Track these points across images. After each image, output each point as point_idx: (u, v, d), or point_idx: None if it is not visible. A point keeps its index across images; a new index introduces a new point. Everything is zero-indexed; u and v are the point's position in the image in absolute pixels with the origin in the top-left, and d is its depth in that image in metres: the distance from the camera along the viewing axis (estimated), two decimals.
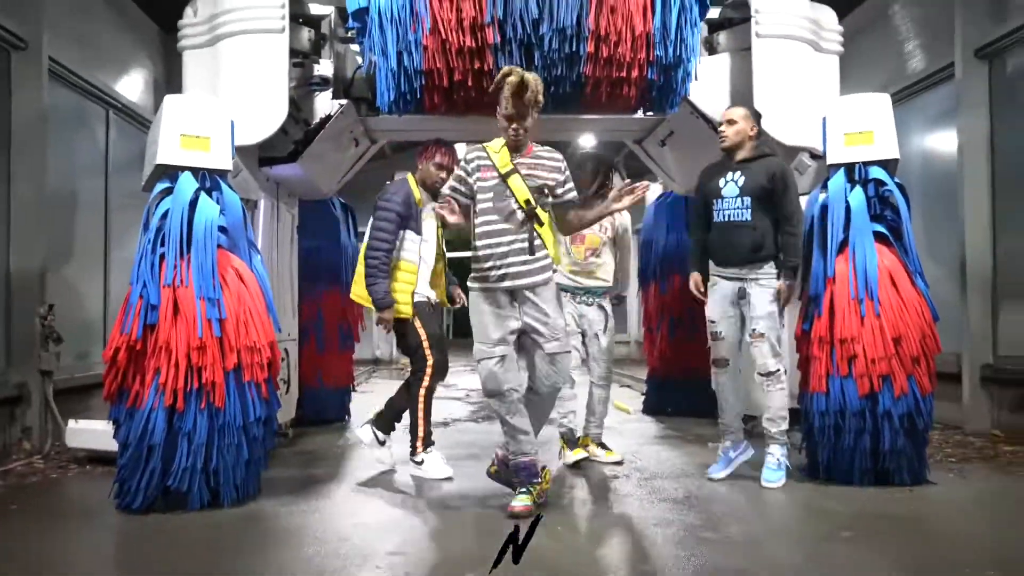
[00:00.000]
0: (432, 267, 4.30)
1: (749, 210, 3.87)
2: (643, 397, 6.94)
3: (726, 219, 3.93)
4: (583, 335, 4.54)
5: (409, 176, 4.35)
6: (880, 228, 3.94)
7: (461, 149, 4.24)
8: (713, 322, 3.99)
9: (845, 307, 3.83)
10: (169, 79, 6.61)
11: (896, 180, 4.02)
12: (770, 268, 3.90)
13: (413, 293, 4.21)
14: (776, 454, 3.88)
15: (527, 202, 3.42)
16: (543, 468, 3.52)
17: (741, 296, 3.91)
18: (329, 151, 5.05)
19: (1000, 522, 3.42)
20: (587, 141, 10.06)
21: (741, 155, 3.96)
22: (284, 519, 3.38)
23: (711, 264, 4.06)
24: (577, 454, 4.45)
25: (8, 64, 4.74)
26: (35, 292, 4.80)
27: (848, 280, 3.85)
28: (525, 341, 3.53)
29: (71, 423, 4.58)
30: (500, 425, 3.52)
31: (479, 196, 3.48)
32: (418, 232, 4.22)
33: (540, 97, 3.35)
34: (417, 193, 4.26)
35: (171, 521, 3.35)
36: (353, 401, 6.70)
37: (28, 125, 4.79)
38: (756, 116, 4.03)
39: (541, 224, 3.47)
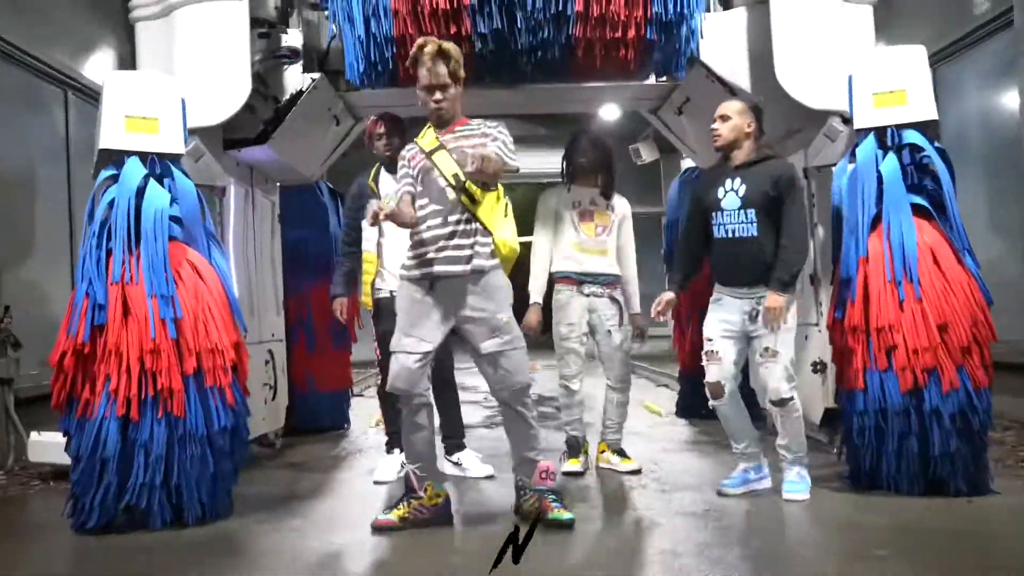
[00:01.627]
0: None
1: (754, 224, 3.74)
2: (676, 398, 6.89)
3: (729, 235, 3.80)
4: (592, 332, 4.50)
5: (374, 168, 4.55)
6: (919, 200, 3.84)
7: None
8: (710, 340, 3.85)
9: (881, 291, 3.74)
10: (136, 55, 6.68)
11: (936, 144, 3.91)
12: None
13: (372, 284, 4.37)
14: (796, 469, 3.79)
15: (455, 176, 3.39)
16: (427, 486, 3.50)
17: (749, 315, 3.77)
18: (305, 131, 5.05)
19: None
20: (610, 113, 10.05)
21: (740, 158, 3.83)
22: (253, 540, 3.43)
23: (715, 284, 3.94)
24: (574, 464, 4.46)
25: None
26: None
27: (883, 260, 3.76)
28: (465, 344, 3.51)
29: (33, 435, 4.67)
30: (402, 421, 3.52)
31: (416, 180, 3.52)
32: None
33: (460, 69, 3.41)
34: (372, 184, 4.47)
35: (129, 542, 3.40)
36: (353, 407, 6.75)
37: None
38: (756, 111, 3.88)
39: (474, 201, 3.43)
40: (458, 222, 3.41)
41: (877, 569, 2.85)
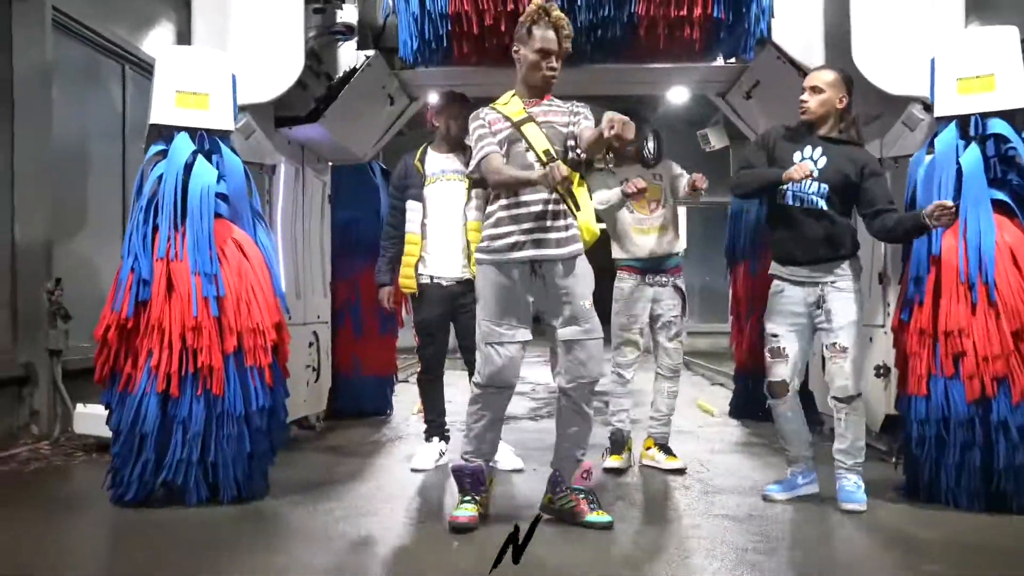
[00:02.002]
0: (457, 239, 4.33)
1: (825, 199, 3.65)
2: (731, 398, 6.82)
3: (796, 203, 3.70)
4: (652, 321, 4.46)
5: (421, 149, 4.53)
6: (1001, 195, 3.69)
7: None
8: (775, 336, 3.76)
9: (953, 292, 3.62)
10: (191, 30, 6.81)
11: None
12: (850, 267, 3.69)
13: (416, 267, 4.35)
14: (853, 478, 3.67)
15: (546, 152, 3.29)
16: (490, 478, 3.47)
17: (815, 305, 3.69)
18: (358, 109, 5.09)
19: None
20: (678, 96, 9.91)
21: (826, 131, 3.72)
22: (286, 520, 3.49)
23: (774, 265, 3.84)
24: (616, 460, 4.44)
25: (8, 15, 4.98)
26: (42, 265, 5.07)
27: (957, 259, 3.63)
28: (544, 327, 3.43)
29: (79, 407, 4.83)
30: (469, 412, 3.42)
31: (500, 150, 3.37)
32: (417, 199, 4.36)
33: (569, 42, 3.35)
34: (419, 164, 4.43)
35: (165, 516, 3.50)
36: (397, 394, 6.81)
37: (31, 82, 5.03)
38: (849, 83, 3.73)
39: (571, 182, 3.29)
40: (546, 202, 3.29)
41: None
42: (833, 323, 3.64)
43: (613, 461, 4.45)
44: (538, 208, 3.28)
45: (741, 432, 5.91)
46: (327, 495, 3.88)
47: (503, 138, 3.35)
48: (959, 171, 3.72)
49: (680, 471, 4.39)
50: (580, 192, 3.37)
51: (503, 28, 4.01)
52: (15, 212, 4.99)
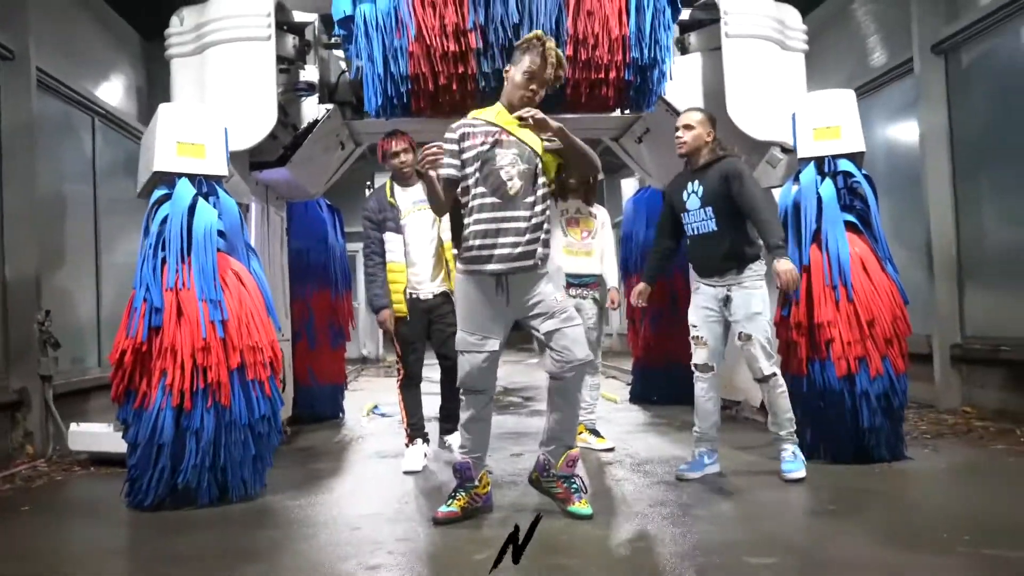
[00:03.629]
0: (431, 261, 4.30)
1: (713, 220, 3.74)
2: (629, 387, 7.08)
3: (695, 232, 3.82)
4: None
5: (387, 184, 4.44)
6: (850, 218, 4.10)
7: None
8: (695, 326, 3.83)
9: (821, 293, 3.98)
10: (151, 85, 6.61)
11: (863, 172, 4.19)
12: (750, 271, 3.75)
13: (405, 291, 4.28)
14: (790, 448, 3.74)
15: (541, 147, 3.16)
16: (482, 473, 3.31)
17: (724, 302, 3.78)
18: (317, 154, 5.12)
19: (973, 492, 3.59)
20: None
21: (699, 162, 3.81)
22: (292, 512, 3.47)
23: (692, 271, 3.98)
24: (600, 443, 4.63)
25: None
26: (31, 298, 4.82)
27: (822, 268, 4.00)
28: (528, 328, 3.23)
29: (73, 426, 4.61)
30: (461, 411, 3.28)
31: (468, 169, 3.15)
32: (396, 231, 4.28)
33: (563, 74, 3.20)
34: (389, 195, 4.33)
35: (182, 516, 3.43)
36: (347, 399, 6.75)
37: (17, 134, 4.79)
38: (713, 121, 3.88)
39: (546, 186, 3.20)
40: (527, 217, 3.12)
41: (831, 521, 3.10)
42: (738, 315, 3.72)
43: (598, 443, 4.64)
44: (507, 225, 3.11)
45: (644, 415, 6.16)
46: (317, 489, 3.88)
47: (477, 155, 3.13)
48: (819, 200, 4.10)
49: (610, 449, 4.59)
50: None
51: (454, 87, 4.11)
52: (5, 251, 4.73)
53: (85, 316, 5.68)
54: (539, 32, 3.17)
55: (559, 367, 3.10)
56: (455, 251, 3.28)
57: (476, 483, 3.26)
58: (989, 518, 3.06)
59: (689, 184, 3.84)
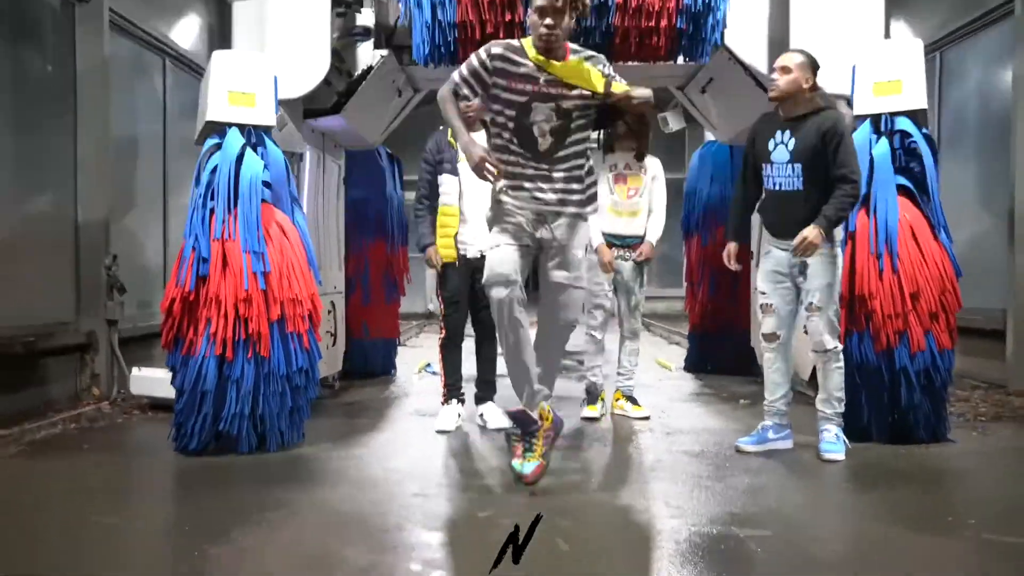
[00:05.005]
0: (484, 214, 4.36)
1: (800, 178, 3.64)
2: (685, 354, 7.08)
3: (777, 187, 3.72)
4: (615, 289, 4.68)
5: None
6: (904, 181, 3.97)
7: None
8: (763, 293, 3.82)
9: (864, 263, 3.91)
10: (222, 27, 6.91)
11: (924, 131, 4.02)
12: (831, 238, 3.67)
13: (455, 238, 4.37)
14: (833, 430, 3.73)
15: (593, 94, 3.18)
16: (541, 410, 3.39)
17: (797, 267, 3.72)
18: (373, 101, 5.27)
19: (1001, 477, 3.58)
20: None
21: (792, 111, 3.70)
22: (324, 463, 3.74)
23: (764, 232, 3.93)
24: (592, 410, 4.69)
25: (72, 18, 5.09)
26: (101, 242, 5.24)
27: (868, 235, 3.91)
28: (538, 266, 3.38)
29: (134, 370, 5.03)
30: (501, 351, 3.39)
31: (505, 109, 3.23)
32: (453, 173, 4.36)
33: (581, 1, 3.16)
34: (452, 137, 4.29)
35: (222, 461, 3.75)
36: (400, 356, 7.00)
37: (91, 78, 5.14)
38: (814, 66, 3.70)
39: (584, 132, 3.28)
40: (564, 169, 3.25)
41: (842, 496, 3.21)
42: (812, 284, 3.68)
43: (589, 411, 4.69)
44: (538, 174, 3.26)
45: (695, 384, 6.17)
46: (354, 442, 4.15)
47: (512, 101, 3.20)
48: (872, 161, 3.96)
49: (645, 418, 4.67)
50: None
51: (502, 35, 4.15)
52: (77, 196, 5.15)
53: (152, 261, 6.12)
54: None
55: (548, 318, 3.34)
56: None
57: (539, 422, 3.34)
58: (1004, 503, 3.10)
59: (779, 132, 3.72)
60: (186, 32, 6.58)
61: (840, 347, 3.74)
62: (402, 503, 3.11)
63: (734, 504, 3.06)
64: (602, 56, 3.31)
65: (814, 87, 3.71)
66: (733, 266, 3.98)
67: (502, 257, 3.26)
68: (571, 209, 3.31)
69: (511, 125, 3.24)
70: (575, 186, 3.31)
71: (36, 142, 4.90)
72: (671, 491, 3.24)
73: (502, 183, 3.29)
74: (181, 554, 2.62)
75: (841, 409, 3.75)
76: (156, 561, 2.66)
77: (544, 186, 3.27)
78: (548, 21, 3.09)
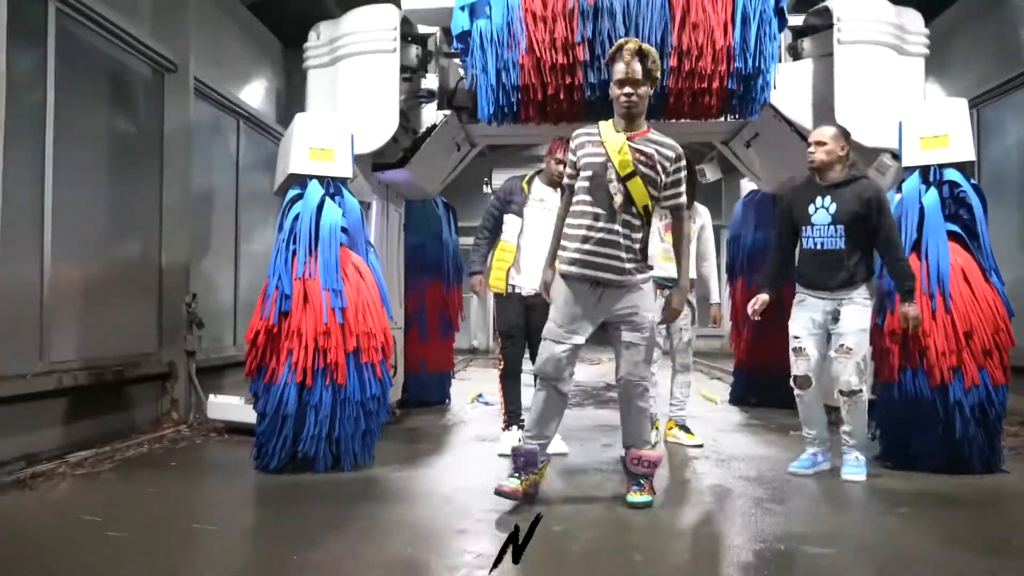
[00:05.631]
0: (542, 258, 4.53)
1: (843, 238, 3.90)
2: (730, 388, 7.28)
3: (817, 247, 3.96)
4: (667, 328, 4.90)
5: (530, 174, 4.83)
6: (954, 227, 4.17)
7: None
8: (797, 337, 4.01)
9: (917, 302, 4.06)
10: (289, 89, 7.42)
11: (972, 182, 4.24)
12: (864, 289, 3.96)
13: (508, 272, 4.63)
14: (855, 454, 3.98)
15: (645, 208, 3.41)
16: (543, 462, 3.59)
17: (831, 314, 3.95)
18: (434, 156, 5.63)
19: None
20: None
21: (831, 178, 3.97)
22: (396, 482, 3.98)
23: (798, 284, 4.11)
24: None
25: (162, 85, 5.57)
26: (182, 282, 5.63)
27: (920, 276, 4.09)
28: (610, 330, 3.55)
29: (211, 397, 5.35)
30: (533, 399, 3.55)
31: (581, 174, 3.47)
32: (518, 215, 4.64)
33: (656, 70, 3.40)
34: (526, 185, 4.71)
35: (302, 480, 4.00)
36: (452, 387, 7.29)
37: (177, 138, 5.61)
38: (845, 135, 4.03)
39: (645, 225, 3.45)
40: (627, 234, 3.40)
41: (895, 521, 3.31)
42: (843, 328, 3.90)
43: None
44: (609, 236, 3.39)
45: (741, 416, 6.36)
46: (422, 463, 4.40)
47: (592, 163, 3.42)
48: (921, 209, 4.20)
49: (699, 446, 4.86)
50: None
51: (562, 96, 4.45)
52: (162, 241, 5.56)
53: (223, 300, 6.51)
54: (622, 39, 3.46)
55: (623, 374, 3.50)
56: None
57: (537, 469, 3.54)
58: None
59: (819, 198, 4.00)
60: (257, 95, 7.07)
61: (865, 390, 3.95)
62: (477, 518, 3.31)
63: (796, 524, 3.21)
64: (677, 150, 3.49)
65: (847, 155, 4.01)
66: (756, 316, 4.20)
67: (549, 357, 3.47)
68: (636, 277, 3.45)
69: (589, 184, 3.44)
70: (639, 255, 3.46)
71: (127, 194, 5.31)
72: (732, 512, 3.40)
73: (562, 261, 3.50)
74: (281, 559, 2.81)
75: (864, 441, 3.99)
76: (258, 563, 2.88)
77: (611, 252, 3.39)
78: (628, 90, 3.37)
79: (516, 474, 3.50)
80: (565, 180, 3.62)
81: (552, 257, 3.67)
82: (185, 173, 5.65)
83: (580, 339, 3.48)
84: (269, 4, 6.83)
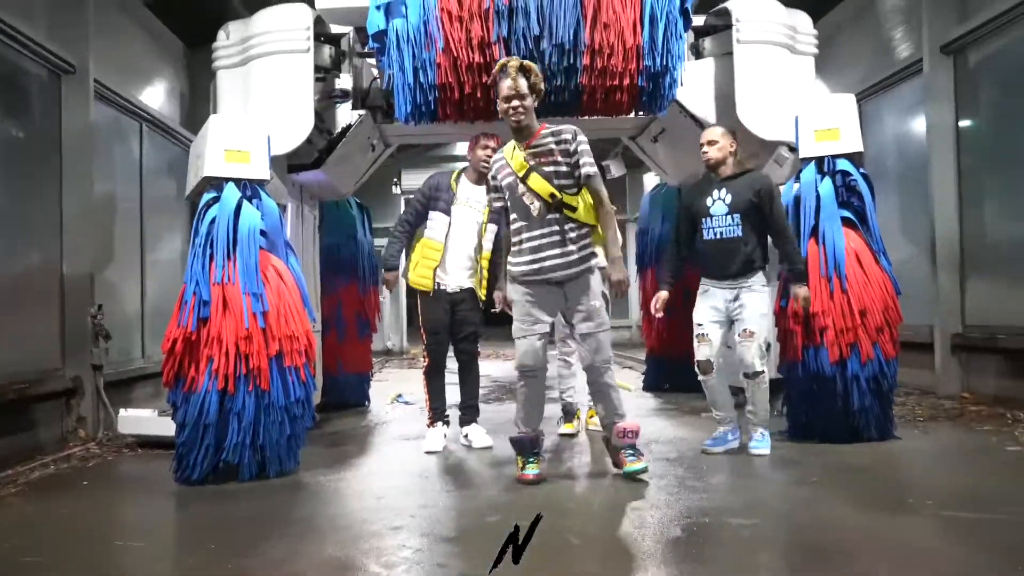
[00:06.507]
0: (467, 256, 4.59)
1: (739, 226, 4.08)
2: (643, 376, 7.42)
3: (717, 236, 4.13)
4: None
5: (456, 171, 4.73)
6: (847, 214, 4.40)
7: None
8: (700, 324, 4.17)
9: (816, 284, 4.29)
10: (193, 91, 7.08)
11: (861, 171, 4.48)
12: (761, 276, 4.13)
13: (435, 271, 4.56)
14: (760, 430, 4.18)
15: (552, 196, 3.61)
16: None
17: (732, 300, 4.10)
18: (350, 156, 5.50)
19: (947, 466, 3.97)
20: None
21: (725, 172, 4.18)
22: (325, 485, 3.85)
23: (702, 276, 4.24)
24: (568, 428, 4.96)
25: (59, 87, 5.19)
26: (85, 293, 5.25)
27: (819, 261, 4.31)
28: (567, 323, 3.80)
29: (122, 412, 5.03)
30: (517, 394, 3.78)
31: (506, 194, 3.75)
32: (445, 213, 4.56)
33: (540, 82, 3.64)
34: (454, 183, 4.63)
35: (227, 488, 3.82)
36: (372, 387, 7.11)
37: (76, 142, 5.23)
38: (733, 133, 4.27)
39: (573, 210, 3.64)
40: (557, 233, 3.64)
41: (810, 490, 3.47)
42: (744, 314, 4.07)
43: (566, 428, 4.96)
44: (550, 239, 3.65)
45: (656, 401, 6.50)
46: (348, 465, 4.28)
47: (506, 184, 3.73)
48: (818, 197, 4.41)
49: None
50: (581, 213, 3.69)
51: (479, 95, 4.44)
52: (63, 250, 5.18)
53: (130, 310, 6.13)
54: (502, 59, 3.70)
55: (587, 362, 3.73)
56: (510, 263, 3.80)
57: (540, 452, 3.75)
58: (955, 487, 3.45)
59: (716, 191, 4.18)
60: (160, 97, 6.70)
61: (766, 370, 4.12)
62: (411, 514, 3.25)
63: (719, 499, 3.32)
64: (570, 131, 3.69)
65: (736, 151, 4.24)
66: (659, 313, 4.30)
67: (526, 349, 3.72)
68: (582, 267, 3.68)
69: (510, 203, 3.74)
70: (583, 241, 3.69)
71: (24, 202, 4.94)
72: (658, 492, 3.46)
73: (513, 274, 3.76)
74: (214, 568, 2.69)
75: (767, 418, 4.18)
76: (192, 574, 2.72)
77: (552, 252, 3.65)
78: (515, 104, 3.60)
79: (531, 459, 3.71)
80: (496, 204, 3.87)
81: (504, 274, 3.95)
82: (86, 179, 5.28)
83: (545, 326, 3.73)
84: (170, 3, 6.48)
